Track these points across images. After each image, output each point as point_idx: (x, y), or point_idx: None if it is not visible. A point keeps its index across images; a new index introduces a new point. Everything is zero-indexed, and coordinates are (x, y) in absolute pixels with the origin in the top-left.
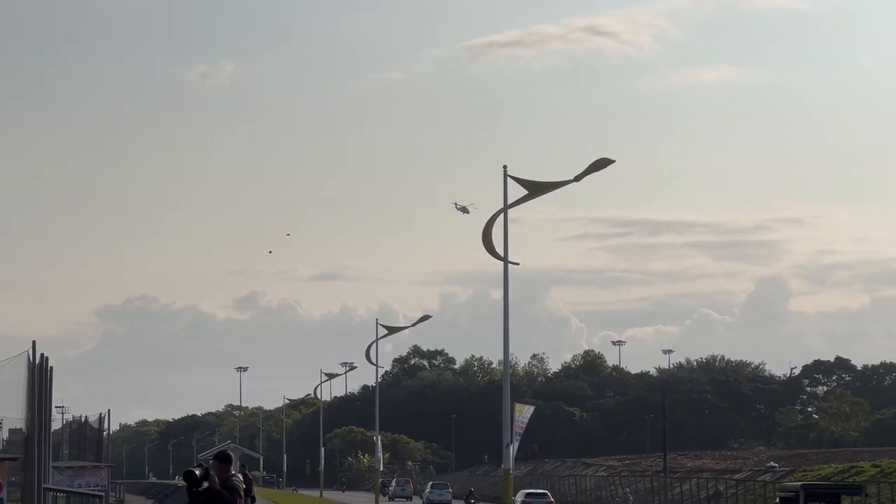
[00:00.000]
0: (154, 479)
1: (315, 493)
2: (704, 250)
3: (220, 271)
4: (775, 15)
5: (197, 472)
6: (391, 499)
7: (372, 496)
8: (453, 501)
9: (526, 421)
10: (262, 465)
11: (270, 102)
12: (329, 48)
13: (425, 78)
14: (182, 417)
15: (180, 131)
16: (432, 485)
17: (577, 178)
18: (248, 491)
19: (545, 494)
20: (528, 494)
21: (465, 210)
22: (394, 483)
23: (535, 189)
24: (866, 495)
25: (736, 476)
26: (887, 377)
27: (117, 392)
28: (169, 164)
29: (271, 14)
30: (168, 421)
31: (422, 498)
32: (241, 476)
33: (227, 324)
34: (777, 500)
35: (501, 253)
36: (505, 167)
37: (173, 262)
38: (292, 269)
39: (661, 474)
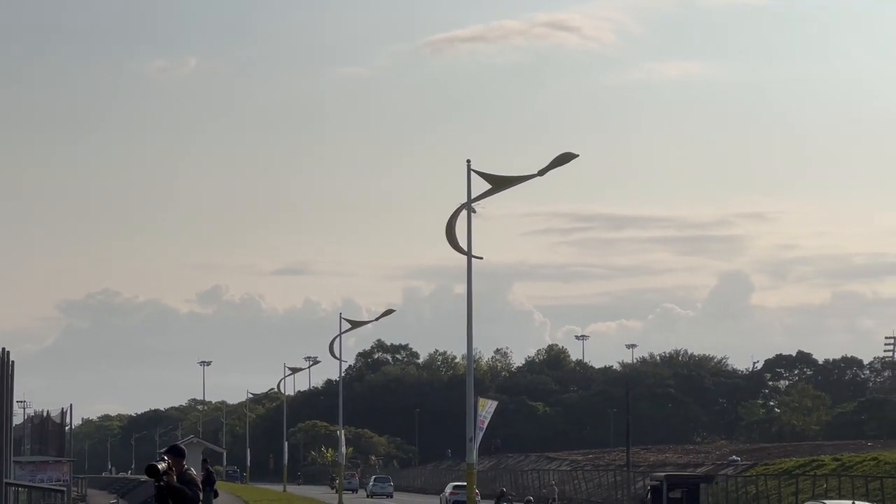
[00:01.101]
0: (120, 474)
1: (273, 487)
2: (667, 245)
3: (182, 265)
4: (736, 10)
5: (160, 466)
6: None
7: (325, 489)
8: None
9: (489, 415)
10: (225, 460)
11: (232, 97)
12: (291, 43)
13: (388, 73)
14: (145, 412)
15: (142, 126)
16: (375, 478)
17: (541, 173)
18: (211, 485)
19: None
20: (455, 486)
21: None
22: None
23: (499, 183)
24: (716, 483)
25: (698, 470)
26: (848, 371)
27: (79, 387)
28: (131, 158)
29: (233, 8)
30: (131, 415)
31: (366, 490)
32: (193, 470)
33: (190, 318)
34: (648, 487)
35: (465, 247)
36: (468, 161)
37: (136, 256)
38: (255, 264)
39: (625, 468)
